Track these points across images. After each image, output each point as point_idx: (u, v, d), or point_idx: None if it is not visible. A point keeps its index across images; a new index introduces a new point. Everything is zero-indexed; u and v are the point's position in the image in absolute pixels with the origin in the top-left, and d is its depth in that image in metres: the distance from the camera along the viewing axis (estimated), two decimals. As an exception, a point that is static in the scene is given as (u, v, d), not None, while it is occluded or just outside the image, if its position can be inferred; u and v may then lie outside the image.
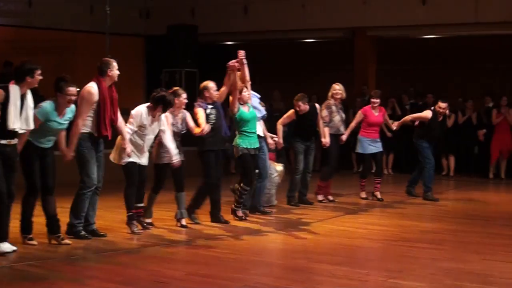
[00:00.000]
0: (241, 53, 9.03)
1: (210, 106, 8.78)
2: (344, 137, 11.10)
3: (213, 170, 8.82)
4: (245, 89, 9.06)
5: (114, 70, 7.76)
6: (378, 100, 11.34)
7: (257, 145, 9.13)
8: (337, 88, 11.01)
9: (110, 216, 9.11)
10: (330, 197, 11.16)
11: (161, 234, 8.28)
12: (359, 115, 11.40)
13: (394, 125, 11.70)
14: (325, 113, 10.83)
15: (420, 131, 11.46)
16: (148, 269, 6.62)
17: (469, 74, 17.97)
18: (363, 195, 11.45)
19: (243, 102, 9.02)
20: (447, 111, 11.58)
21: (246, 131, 9.00)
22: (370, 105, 11.36)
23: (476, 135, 15.27)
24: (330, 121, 10.88)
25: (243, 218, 9.20)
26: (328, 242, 8.05)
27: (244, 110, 9.02)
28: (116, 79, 7.80)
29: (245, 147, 8.97)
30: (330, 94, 11.06)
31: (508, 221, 9.92)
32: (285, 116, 10.59)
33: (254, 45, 19.72)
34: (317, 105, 10.74)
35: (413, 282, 6.18)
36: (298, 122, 10.49)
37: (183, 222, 8.63)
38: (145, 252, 7.40)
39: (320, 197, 11.04)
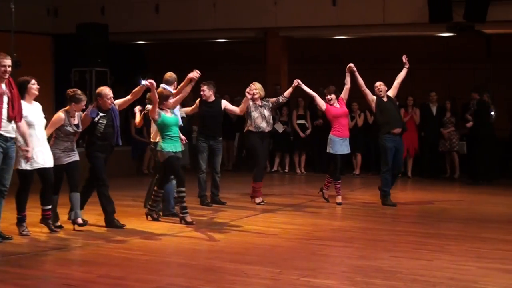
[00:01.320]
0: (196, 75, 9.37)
1: (101, 114, 8.66)
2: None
3: (104, 174, 8.76)
4: (171, 97, 9.18)
5: None
6: (332, 96, 10.98)
7: (181, 149, 9.12)
8: (253, 88, 10.90)
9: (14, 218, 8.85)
10: (261, 198, 10.98)
11: (70, 237, 8.14)
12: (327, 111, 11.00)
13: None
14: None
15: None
16: (58, 272, 6.50)
17: (376, 75, 18.37)
18: (339, 199, 11.07)
19: (166, 108, 9.02)
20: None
21: (170, 135, 8.98)
22: (327, 104, 11.00)
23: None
24: (249, 119, 10.82)
25: (158, 219, 9.24)
26: (241, 241, 8.09)
27: (167, 115, 9.01)
28: (1, 74, 7.43)
29: (170, 150, 8.94)
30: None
31: (415, 219, 10.23)
32: (192, 107, 10.69)
33: (164, 44, 19.70)
34: (223, 101, 10.76)
35: (324, 280, 6.29)
36: (201, 119, 10.53)
37: (79, 221, 8.47)
38: (54, 254, 7.26)
39: (258, 200, 10.89)
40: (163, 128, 9.02)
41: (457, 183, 14.34)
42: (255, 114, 10.85)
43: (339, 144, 10.89)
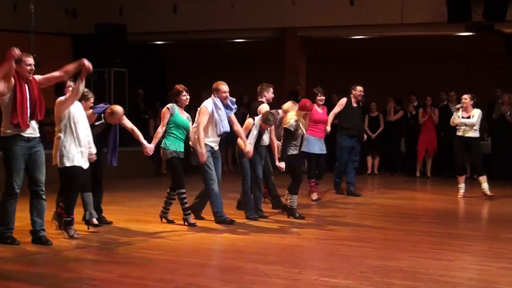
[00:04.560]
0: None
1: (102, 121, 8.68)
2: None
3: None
4: (184, 92, 8.98)
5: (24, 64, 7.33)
6: (323, 97, 11.40)
7: (182, 149, 8.98)
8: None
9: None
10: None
11: (90, 237, 8.18)
12: None
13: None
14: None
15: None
16: (78, 271, 6.54)
17: (395, 74, 18.38)
18: (314, 196, 11.36)
19: (181, 105, 8.98)
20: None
21: (175, 134, 8.87)
22: (316, 103, 11.25)
23: (400, 134, 15.67)
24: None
25: (173, 221, 9.08)
26: (259, 241, 8.10)
27: (180, 115, 8.94)
28: (26, 73, 7.34)
29: (173, 149, 8.86)
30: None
31: (434, 219, 10.19)
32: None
33: (182, 44, 19.75)
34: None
35: (343, 280, 6.28)
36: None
37: (94, 221, 8.50)
38: (73, 254, 7.30)
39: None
40: (172, 126, 8.89)
41: (476, 183, 14.24)
42: None
43: (314, 143, 11.12)
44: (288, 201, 9.56)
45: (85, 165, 7.98)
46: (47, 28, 16.83)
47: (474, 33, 15.62)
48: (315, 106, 11.09)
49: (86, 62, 7.78)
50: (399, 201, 11.79)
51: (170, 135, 8.90)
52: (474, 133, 11.96)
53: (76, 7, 18.44)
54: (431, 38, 17.49)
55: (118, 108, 8.72)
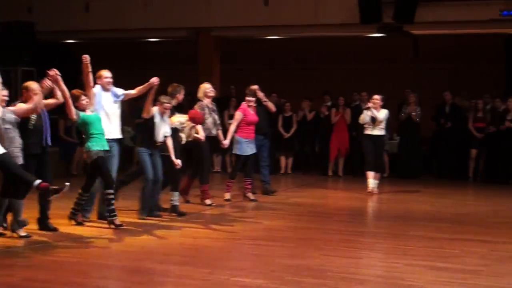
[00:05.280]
0: (86, 58, 8.84)
1: None
2: (226, 142, 11.04)
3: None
4: (83, 96, 8.86)
5: None
6: (254, 99, 11.39)
7: (108, 147, 8.89)
8: (208, 87, 10.96)
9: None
10: (207, 201, 10.92)
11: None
12: (238, 115, 11.25)
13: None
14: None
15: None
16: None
17: (309, 74, 18.62)
18: (227, 196, 11.35)
19: (82, 109, 8.83)
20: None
21: (95, 133, 8.75)
22: (246, 103, 11.33)
23: (312, 134, 15.92)
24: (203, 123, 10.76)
25: (82, 223, 9.00)
26: (172, 242, 8.06)
27: (86, 113, 8.83)
28: None
29: (98, 149, 8.72)
30: (201, 94, 10.98)
31: (346, 217, 10.38)
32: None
33: (95, 44, 19.44)
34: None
35: (254, 279, 6.31)
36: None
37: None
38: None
39: (208, 201, 10.85)
40: (86, 128, 8.77)
41: (386, 181, 14.59)
42: (210, 119, 10.88)
43: (245, 145, 11.19)
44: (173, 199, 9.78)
45: None
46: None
47: (384, 34, 15.99)
48: (247, 108, 11.23)
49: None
50: (312, 200, 11.94)
51: (91, 137, 8.75)
52: (380, 131, 12.41)
53: (-18, 4, 17.92)
54: (344, 39, 17.80)
55: (33, 85, 8.32)
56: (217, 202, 11.02)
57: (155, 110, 9.42)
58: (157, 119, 9.40)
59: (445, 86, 16.10)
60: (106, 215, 8.91)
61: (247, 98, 11.39)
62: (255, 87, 11.84)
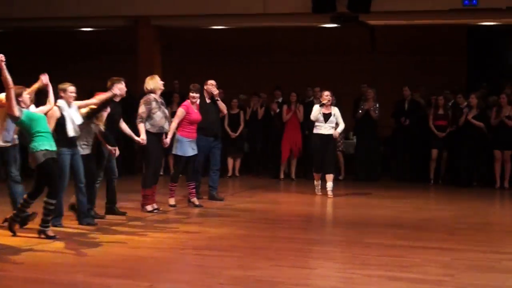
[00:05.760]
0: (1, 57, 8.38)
1: None
2: (167, 140, 10.93)
3: None
4: (25, 92, 8.69)
5: None
6: (198, 95, 11.33)
7: (55, 148, 8.72)
8: (159, 80, 10.86)
9: None
10: (155, 205, 10.89)
11: None
12: (180, 112, 11.21)
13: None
14: (142, 109, 10.65)
15: None
16: None
17: (259, 67, 18.68)
18: (172, 201, 11.31)
19: (25, 106, 8.68)
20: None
21: (41, 132, 8.54)
22: (190, 100, 11.28)
23: (262, 133, 15.97)
24: (149, 118, 10.67)
25: (15, 232, 8.83)
26: (110, 253, 8.01)
27: (29, 110, 8.71)
28: None
29: (45, 149, 8.48)
30: (152, 86, 10.83)
31: (298, 224, 10.45)
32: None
33: (20, 33, 19.17)
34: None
35: (200, 293, 6.33)
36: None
37: None
38: None
39: (149, 208, 10.76)
40: (31, 125, 8.51)
41: (341, 184, 14.73)
42: (159, 114, 10.71)
43: (187, 145, 11.18)
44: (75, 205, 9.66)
45: None
46: None
47: (339, 25, 16.13)
48: (191, 105, 11.21)
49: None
50: (262, 205, 11.99)
51: (36, 136, 8.53)
52: (332, 131, 12.57)
53: None
54: (295, 29, 17.90)
55: None
56: (160, 207, 11.01)
57: (60, 102, 9.26)
58: (65, 112, 9.23)
59: (404, 80, 16.32)
60: (40, 224, 8.72)
61: (191, 95, 11.36)
62: (211, 82, 11.86)
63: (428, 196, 14.07)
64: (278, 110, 15.75)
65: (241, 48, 18.84)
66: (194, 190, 11.50)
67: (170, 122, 11.14)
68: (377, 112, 15.28)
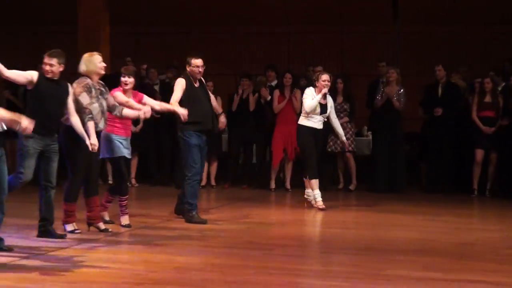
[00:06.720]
0: None
1: None
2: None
3: None
4: None
5: None
6: (132, 80, 11.24)
7: None
8: (98, 60, 10.68)
9: None
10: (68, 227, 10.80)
11: None
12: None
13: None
14: (85, 98, 10.47)
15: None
16: None
17: (242, 40, 18.75)
18: (107, 217, 11.45)
19: None
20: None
21: None
22: (122, 87, 11.23)
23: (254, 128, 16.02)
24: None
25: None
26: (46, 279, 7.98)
27: None
28: None
29: None
30: (88, 68, 10.63)
31: (294, 250, 10.38)
32: None
33: None
34: None
35: None
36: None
37: None
38: None
39: (69, 227, 10.71)
40: None
41: (353, 196, 14.74)
42: (95, 105, 10.52)
43: (117, 144, 11.21)
44: None
45: None
46: None
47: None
48: (124, 93, 11.17)
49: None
50: (247, 225, 11.98)
51: None
52: (322, 125, 13.00)
53: None
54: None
55: None
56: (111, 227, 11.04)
57: None
58: None
59: (436, 58, 16.33)
60: None
61: (123, 79, 11.23)
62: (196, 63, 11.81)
63: (470, 213, 14.10)
64: (269, 98, 15.67)
65: (222, 16, 18.88)
66: (109, 204, 11.57)
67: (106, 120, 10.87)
68: (402, 99, 15.25)
